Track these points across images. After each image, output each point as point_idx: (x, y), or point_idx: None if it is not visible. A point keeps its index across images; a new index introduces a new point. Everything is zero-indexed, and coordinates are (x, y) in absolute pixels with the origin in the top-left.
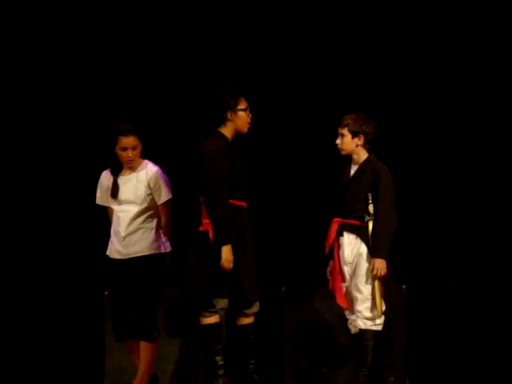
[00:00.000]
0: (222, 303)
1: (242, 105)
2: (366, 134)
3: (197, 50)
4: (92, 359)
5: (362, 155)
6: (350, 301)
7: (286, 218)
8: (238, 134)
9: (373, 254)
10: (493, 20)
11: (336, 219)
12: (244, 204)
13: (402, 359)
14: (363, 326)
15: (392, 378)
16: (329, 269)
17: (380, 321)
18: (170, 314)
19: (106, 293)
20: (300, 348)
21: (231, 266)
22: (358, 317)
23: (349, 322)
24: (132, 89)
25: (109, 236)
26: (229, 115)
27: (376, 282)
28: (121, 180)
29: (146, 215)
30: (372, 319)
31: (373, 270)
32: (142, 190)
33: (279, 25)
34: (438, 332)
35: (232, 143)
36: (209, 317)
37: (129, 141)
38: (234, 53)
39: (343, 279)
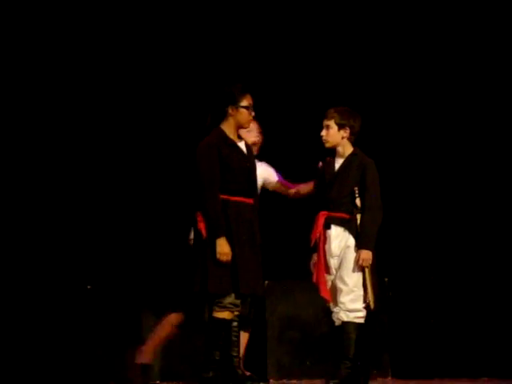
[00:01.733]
0: (229, 299)
1: (246, 102)
2: (351, 127)
3: (197, 48)
4: (78, 354)
5: (348, 148)
6: (334, 293)
7: (268, 212)
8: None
9: (359, 245)
10: (487, 16)
11: (323, 212)
12: (242, 199)
13: (385, 352)
14: (346, 319)
15: (375, 371)
16: (312, 262)
17: (363, 313)
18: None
19: (88, 287)
20: (283, 341)
21: (228, 258)
22: (340, 309)
23: (333, 314)
24: (135, 88)
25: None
26: (230, 110)
27: (367, 274)
28: None
29: None
30: (355, 311)
31: (358, 260)
32: None
33: (271, 21)
34: (420, 324)
35: (231, 138)
36: (219, 311)
37: None
38: (235, 50)
39: (328, 271)
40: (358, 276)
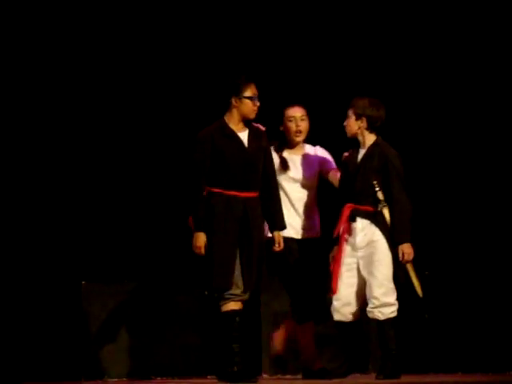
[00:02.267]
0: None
1: (249, 92)
2: (369, 118)
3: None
4: (70, 349)
5: (369, 139)
6: (360, 290)
7: None
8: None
9: (398, 240)
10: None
11: (348, 205)
12: (235, 193)
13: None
14: (382, 317)
15: (370, 366)
16: (332, 254)
17: (396, 307)
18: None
19: (83, 283)
20: None
21: (201, 252)
22: (374, 305)
23: (334, 308)
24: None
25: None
26: (233, 101)
27: (409, 267)
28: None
29: None
30: (389, 305)
31: (403, 255)
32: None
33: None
34: (415, 320)
35: (231, 129)
36: (223, 305)
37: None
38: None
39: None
40: (388, 269)
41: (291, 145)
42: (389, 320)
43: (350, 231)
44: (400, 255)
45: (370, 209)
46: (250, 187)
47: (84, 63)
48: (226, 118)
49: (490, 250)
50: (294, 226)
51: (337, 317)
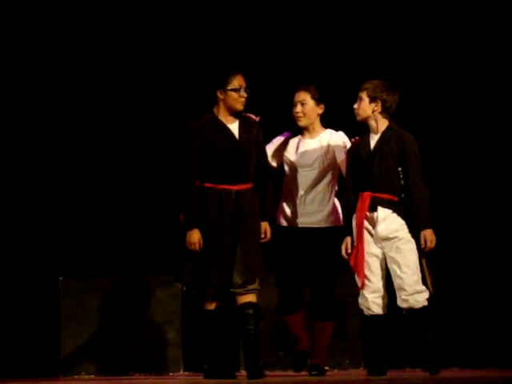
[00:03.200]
0: (211, 291)
1: (234, 84)
2: (384, 102)
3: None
4: (47, 345)
5: (382, 123)
6: (380, 279)
7: None
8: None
9: (421, 226)
10: None
11: (367, 193)
12: (226, 187)
13: (358, 342)
14: (418, 305)
15: (347, 361)
16: (344, 245)
17: (428, 294)
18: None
19: (60, 278)
20: None
21: (196, 248)
22: (408, 294)
23: (370, 301)
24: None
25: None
26: (219, 94)
27: (423, 260)
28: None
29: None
30: (422, 292)
31: (425, 242)
32: None
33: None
34: (392, 315)
35: (220, 121)
36: (205, 303)
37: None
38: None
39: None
40: (416, 258)
41: (302, 129)
42: (424, 308)
43: (369, 221)
44: (422, 242)
45: (392, 197)
46: (242, 179)
47: (73, 57)
48: (215, 111)
49: (487, 243)
50: (293, 214)
51: (374, 310)
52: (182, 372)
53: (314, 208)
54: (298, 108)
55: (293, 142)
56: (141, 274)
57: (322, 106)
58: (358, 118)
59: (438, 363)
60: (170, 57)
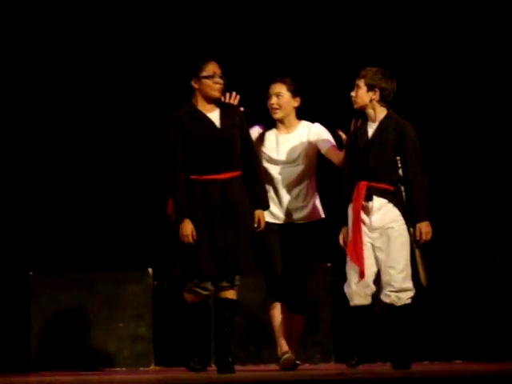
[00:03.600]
0: (195, 282)
1: (207, 71)
2: (382, 90)
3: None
4: (17, 340)
5: (380, 112)
6: (374, 273)
7: None
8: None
9: (416, 218)
10: None
11: (363, 182)
12: (211, 177)
13: (328, 336)
14: (399, 303)
15: (318, 355)
16: (342, 235)
17: (413, 292)
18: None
19: (30, 273)
20: None
21: (189, 240)
22: (392, 291)
23: (355, 291)
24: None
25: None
26: (193, 83)
27: (418, 252)
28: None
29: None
30: (407, 290)
31: (420, 235)
32: None
33: None
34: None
35: (199, 111)
36: (188, 294)
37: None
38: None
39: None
40: (407, 252)
41: (277, 122)
42: (405, 306)
43: (364, 210)
44: (417, 234)
45: (388, 187)
46: (228, 167)
47: (52, 51)
48: (194, 101)
49: (464, 237)
50: (276, 209)
51: (358, 301)
52: (152, 367)
53: (299, 204)
54: (274, 100)
55: (270, 136)
56: (112, 269)
57: (298, 99)
58: (356, 106)
59: (409, 358)
60: (154, 50)
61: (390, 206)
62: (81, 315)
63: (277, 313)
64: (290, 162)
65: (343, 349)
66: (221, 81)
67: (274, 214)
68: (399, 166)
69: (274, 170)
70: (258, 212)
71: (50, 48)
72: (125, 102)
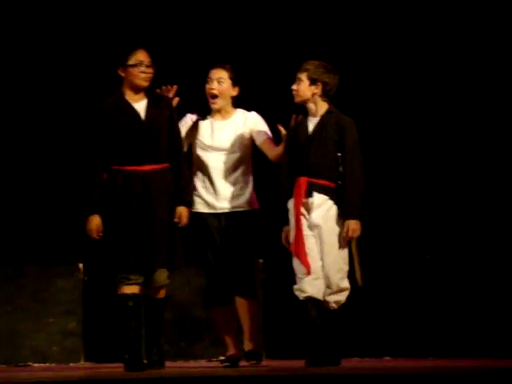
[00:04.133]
0: (120, 274)
1: (133, 60)
2: (325, 84)
3: None
4: None
5: (321, 106)
6: (315, 271)
7: None
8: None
9: (346, 215)
10: None
11: (303, 178)
12: (133, 168)
13: (259, 332)
14: (336, 307)
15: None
16: (284, 234)
17: (348, 292)
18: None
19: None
20: None
21: (93, 235)
22: (332, 291)
23: (306, 282)
24: None
25: None
26: (120, 72)
27: (354, 247)
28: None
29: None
30: (345, 290)
31: (347, 231)
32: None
33: None
34: (293, 305)
35: (125, 100)
36: (118, 288)
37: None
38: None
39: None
40: (346, 251)
41: (213, 110)
42: (340, 307)
43: (304, 206)
44: (345, 230)
45: (329, 183)
46: (151, 160)
47: None
48: (122, 90)
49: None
50: (211, 199)
51: (309, 291)
52: (82, 362)
53: (236, 192)
54: (215, 85)
55: (204, 123)
56: (42, 264)
57: (237, 89)
58: (297, 100)
59: (339, 354)
60: (83, 40)
61: (331, 202)
62: (10, 310)
63: (221, 313)
64: (225, 149)
65: (274, 344)
66: (148, 70)
67: (209, 203)
68: (339, 162)
69: (209, 158)
70: (180, 208)
71: None
72: (47, 99)
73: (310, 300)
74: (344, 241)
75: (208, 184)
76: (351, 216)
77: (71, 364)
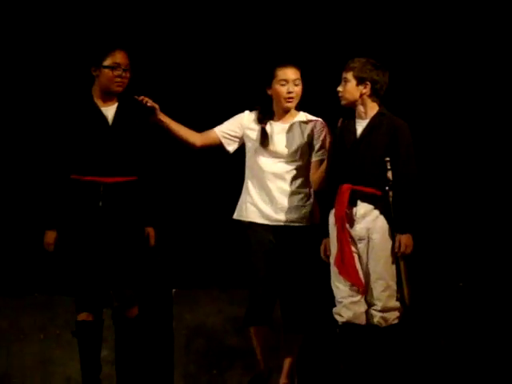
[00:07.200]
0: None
1: (109, 61)
2: (374, 83)
3: None
4: None
5: (371, 108)
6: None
7: (178, 217)
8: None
9: (397, 229)
10: None
11: (346, 186)
12: (96, 179)
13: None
14: (384, 324)
15: None
16: (323, 246)
17: (399, 312)
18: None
19: None
20: (190, 350)
21: (49, 249)
22: (376, 310)
23: (341, 304)
24: None
25: None
26: (93, 71)
27: (402, 264)
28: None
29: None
30: (393, 310)
31: (399, 247)
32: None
33: None
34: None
35: (94, 104)
36: (79, 313)
37: None
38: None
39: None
40: (393, 267)
41: (279, 112)
42: (391, 327)
43: (347, 217)
44: (396, 245)
45: (375, 191)
46: (114, 172)
47: None
48: (92, 91)
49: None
50: (266, 209)
51: (346, 315)
52: None
53: (296, 203)
54: (293, 88)
55: (262, 125)
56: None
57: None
58: (343, 103)
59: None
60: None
61: (376, 212)
62: (43, 338)
63: (260, 332)
64: (285, 155)
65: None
66: (124, 74)
67: (265, 213)
68: (388, 168)
69: (267, 164)
70: (148, 228)
71: None
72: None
73: (348, 325)
74: (392, 256)
75: (263, 192)
76: (403, 230)
77: None
